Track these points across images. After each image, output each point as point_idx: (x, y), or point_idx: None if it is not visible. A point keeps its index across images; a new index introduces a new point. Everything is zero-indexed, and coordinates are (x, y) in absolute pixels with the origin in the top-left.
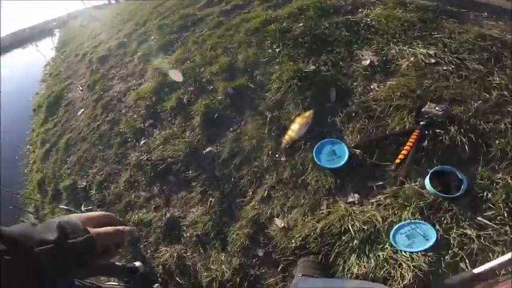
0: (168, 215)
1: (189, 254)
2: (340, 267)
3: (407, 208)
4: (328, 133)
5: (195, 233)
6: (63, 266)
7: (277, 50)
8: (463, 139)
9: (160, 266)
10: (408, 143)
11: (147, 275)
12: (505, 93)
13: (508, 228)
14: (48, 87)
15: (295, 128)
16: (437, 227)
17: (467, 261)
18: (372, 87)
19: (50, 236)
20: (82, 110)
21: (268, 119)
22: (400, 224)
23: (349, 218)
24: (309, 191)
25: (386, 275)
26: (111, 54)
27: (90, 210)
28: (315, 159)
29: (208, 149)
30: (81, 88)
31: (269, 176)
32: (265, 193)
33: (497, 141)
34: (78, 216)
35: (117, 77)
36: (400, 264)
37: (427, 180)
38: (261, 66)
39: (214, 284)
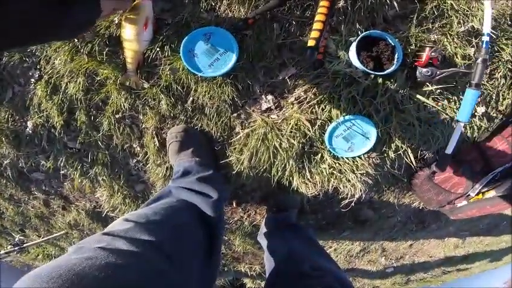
0: (82, 211)
1: None
2: (290, 190)
3: (336, 100)
4: (192, 19)
5: (126, 215)
6: None
7: None
8: None
9: None
10: (321, 8)
11: None
12: None
13: (445, 102)
14: None
15: (130, 37)
16: (375, 117)
17: (409, 151)
18: None
19: None
20: None
21: (76, 39)
22: (333, 125)
23: (273, 133)
24: (209, 115)
25: (337, 187)
26: None
27: (24, 236)
28: (192, 70)
29: (30, 124)
30: None
31: (144, 116)
32: (157, 141)
33: None
34: None
35: None
36: (346, 174)
37: (353, 55)
38: None
39: None
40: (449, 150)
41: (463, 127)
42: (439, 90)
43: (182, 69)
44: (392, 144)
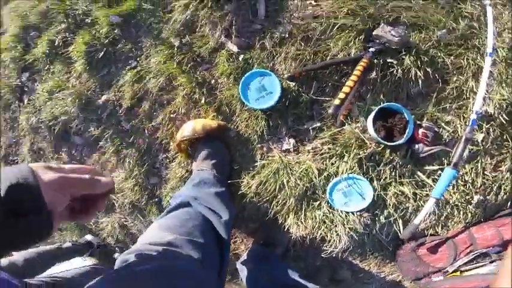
0: None
1: (129, 222)
2: (282, 228)
3: (346, 158)
4: (256, 61)
5: (126, 200)
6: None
7: None
8: (418, 72)
9: (109, 238)
10: (353, 76)
11: (104, 246)
12: (475, 24)
13: None
14: None
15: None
16: (375, 182)
17: (400, 222)
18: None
19: None
20: None
21: (176, 48)
22: (336, 179)
23: (285, 171)
24: (239, 138)
25: (324, 235)
26: None
27: None
28: (242, 99)
29: (104, 97)
30: None
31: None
32: (189, 148)
33: (454, 78)
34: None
35: None
36: (336, 225)
37: (369, 122)
38: None
39: None
40: (417, 220)
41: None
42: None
43: (235, 96)
44: (385, 211)
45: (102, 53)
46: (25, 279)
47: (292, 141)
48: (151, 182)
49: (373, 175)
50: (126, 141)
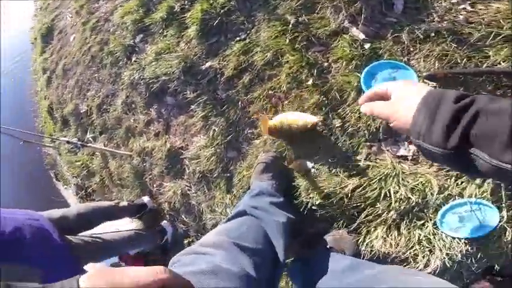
0: (168, 145)
1: (193, 191)
2: (361, 238)
3: (478, 181)
4: (386, 52)
5: (198, 168)
6: None
7: None
8: None
9: (166, 203)
10: None
11: (155, 211)
12: None
13: None
14: (40, 20)
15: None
16: (504, 212)
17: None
18: (464, 5)
19: None
20: (73, 35)
21: (291, 25)
22: (458, 201)
23: (395, 179)
24: (344, 130)
25: (411, 257)
26: None
27: (94, 138)
28: (363, 86)
29: (208, 64)
30: (70, 15)
31: (289, 103)
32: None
33: None
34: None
35: None
36: (433, 248)
37: None
38: None
39: None
40: None
41: None
42: None
43: (351, 83)
44: (500, 243)
45: (216, 21)
46: (67, 236)
47: (412, 148)
48: (228, 156)
49: (504, 204)
50: (218, 109)
